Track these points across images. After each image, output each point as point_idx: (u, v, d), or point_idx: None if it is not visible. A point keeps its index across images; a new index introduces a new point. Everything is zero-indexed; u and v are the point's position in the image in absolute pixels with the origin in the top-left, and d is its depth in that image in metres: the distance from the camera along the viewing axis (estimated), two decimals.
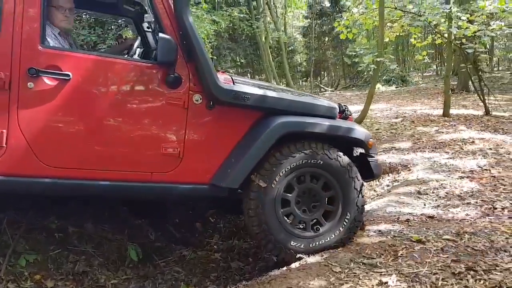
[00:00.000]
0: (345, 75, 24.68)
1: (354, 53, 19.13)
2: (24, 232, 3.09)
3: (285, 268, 2.91)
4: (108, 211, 3.60)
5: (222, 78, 2.87)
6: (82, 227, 3.32)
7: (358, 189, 3.04)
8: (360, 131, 3.16)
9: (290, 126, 2.91)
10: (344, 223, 3.02)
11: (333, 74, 26.85)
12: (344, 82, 24.31)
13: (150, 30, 3.22)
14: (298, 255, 2.92)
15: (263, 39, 19.38)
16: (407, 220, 3.51)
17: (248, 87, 2.92)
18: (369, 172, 3.20)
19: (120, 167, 2.68)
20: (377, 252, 2.84)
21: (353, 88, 21.43)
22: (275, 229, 2.88)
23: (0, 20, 2.41)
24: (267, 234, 2.88)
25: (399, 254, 2.79)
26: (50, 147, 2.57)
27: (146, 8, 3.19)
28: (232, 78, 3.02)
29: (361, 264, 2.70)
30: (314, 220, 3.02)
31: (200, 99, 2.77)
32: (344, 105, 3.44)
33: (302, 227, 2.99)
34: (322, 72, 26.85)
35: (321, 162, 2.95)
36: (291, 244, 2.92)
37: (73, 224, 3.31)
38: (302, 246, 2.94)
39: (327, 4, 23.38)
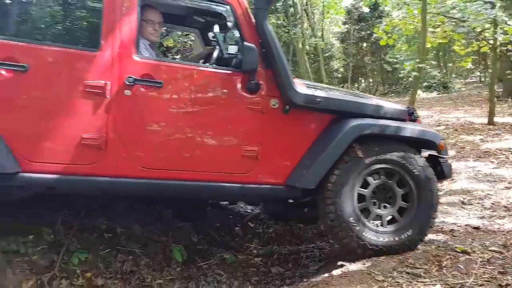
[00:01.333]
0: (383, 81, 24.33)
1: (394, 60, 18.84)
2: (76, 232, 3.25)
3: (326, 274, 2.94)
4: (154, 214, 3.73)
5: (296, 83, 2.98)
6: (130, 229, 3.45)
7: (433, 190, 3.06)
8: (432, 133, 3.23)
9: (364, 128, 2.97)
10: (418, 222, 3.04)
11: (371, 80, 26.51)
12: (383, 88, 23.96)
13: (215, 40, 3.39)
14: (340, 262, 2.95)
15: (300, 45, 19.41)
16: (452, 230, 3.46)
17: (321, 91, 3.06)
18: (440, 173, 3.22)
19: (204, 168, 2.84)
20: (421, 262, 2.82)
21: (392, 94, 21.08)
22: (353, 222, 2.92)
23: (101, 36, 2.62)
24: (345, 228, 2.92)
25: (443, 265, 2.75)
26: (144, 150, 2.74)
27: (215, 19, 3.34)
28: (304, 83, 3.13)
29: (404, 273, 2.68)
30: (390, 217, 3.07)
31: (277, 103, 2.91)
32: (412, 108, 3.45)
33: (378, 222, 3.03)
34: (360, 78, 26.57)
35: (398, 161, 2.99)
36: (367, 237, 2.95)
37: (121, 225, 3.45)
38: (377, 240, 2.97)
39: (366, 9, 23.16)
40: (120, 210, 3.56)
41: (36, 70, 2.55)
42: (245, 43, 2.75)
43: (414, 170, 3.02)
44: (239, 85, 2.85)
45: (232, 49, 3.00)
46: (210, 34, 3.37)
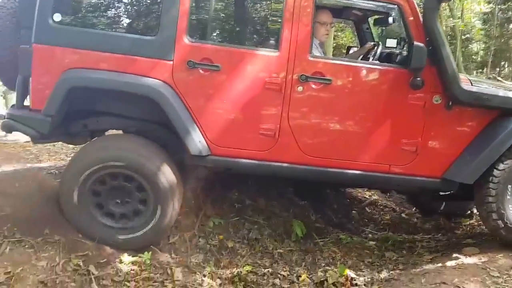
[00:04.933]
0: None
1: None
2: (212, 200, 3.77)
3: (440, 264, 3.01)
4: (277, 191, 4.11)
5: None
6: (256, 201, 3.89)
7: None
8: None
9: None
10: None
11: None
12: None
13: (368, 31, 3.70)
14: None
15: None
16: None
17: (486, 87, 3.14)
18: None
19: (365, 159, 3.10)
20: None
21: None
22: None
23: (281, 38, 2.95)
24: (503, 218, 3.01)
25: None
26: (311, 140, 3.07)
27: (376, 14, 3.62)
28: (468, 78, 3.22)
29: None
30: None
31: (440, 99, 3.04)
32: None
33: None
34: (503, 63, 23.95)
35: None
36: None
37: (249, 197, 3.90)
38: None
39: None
40: (249, 184, 4.00)
41: (226, 69, 2.93)
42: (415, 42, 2.87)
43: None
44: (403, 82, 2.99)
45: (391, 42, 3.12)
46: (364, 26, 3.56)
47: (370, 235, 4.01)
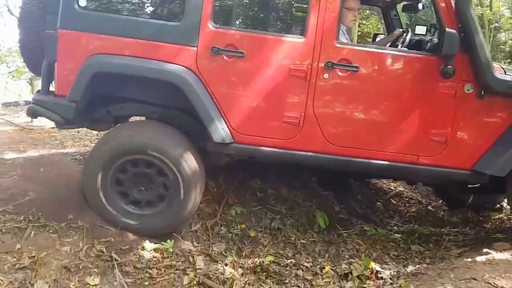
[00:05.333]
0: None
1: None
2: (234, 188, 3.74)
3: (469, 259, 2.92)
4: (300, 180, 4.05)
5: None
6: (279, 191, 3.84)
7: None
8: None
9: None
10: None
11: None
12: None
13: (396, 18, 3.62)
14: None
15: None
16: None
17: None
18: None
19: (392, 149, 3.02)
20: None
21: None
22: None
23: (307, 24, 2.86)
24: None
25: None
26: (336, 128, 3.00)
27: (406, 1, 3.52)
28: (502, 67, 3.10)
29: None
30: None
31: (471, 88, 2.93)
32: None
33: None
34: None
35: None
36: None
37: (271, 187, 3.86)
38: None
39: None
40: (271, 173, 3.95)
41: (251, 55, 2.87)
42: (447, 29, 2.76)
43: None
44: (433, 70, 2.89)
45: (420, 29, 3.03)
46: (392, 13, 3.44)
47: (395, 228, 3.93)
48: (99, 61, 2.83)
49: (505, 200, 4.04)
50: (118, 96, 3.12)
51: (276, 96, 2.94)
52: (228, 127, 2.94)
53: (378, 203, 4.32)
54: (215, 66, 2.88)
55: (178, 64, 2.85)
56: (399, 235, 3.71)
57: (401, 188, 4.67)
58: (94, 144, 4.84)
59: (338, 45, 2.90)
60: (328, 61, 2.88)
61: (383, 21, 4.06)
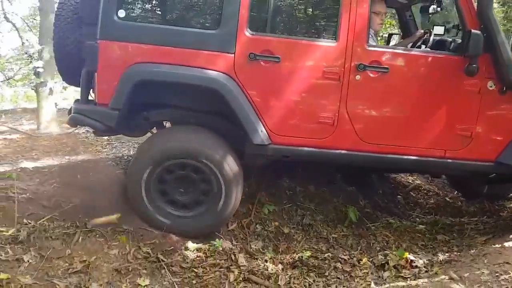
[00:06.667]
0: None
1: None
2: (265, 187, 3.87)
3: (497, 245, 3.07)
4: (326, 177, 4.19)
5: None
6: (307, 188, 3.98)
7: None
8: None
9: None
10: None
11: None
12: None
13: (411, 18, 3.78)
14: None
15: None
16: None
17: None
18: None
19: (421, 144, 3.18)
20: None
21: None
22: None
23: (339, 29, 3.01)
24: None
25: None
26: (368, 127, 3.14)
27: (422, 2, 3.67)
28: None
29: None
30: None
31: (494, 85, 3.10)
32: None
33: None
34: None
35: None
36: None
37: (299, 184, 3.99)
38: None
39: None
40: (298, 171, 4.09)
41: (286, 60, 3.00)
42: (473, 30, 2.91)
43: None
44: (457, 69, 3.04)
45: (438, 30, 3.17)
46: (408, 14, 3.58)
47: (418, 219, 4.08)
48: (142, 70, 2.94)
49: None
50: (155, 103, 3.23)
51: (310, 97, 3.07)
52: (265, 129, 3.07)
53: (398, 196, 4.47)
54: (252, 71, 3.00)
55: (217, 71, 2.97)
56: (424, 226, 3.85)
57: (418, 181, 4.82)
58: (107, 149, 4.95)
59: (369, 48, 3.05)
60: (360, 63, 3.02)
61: (398, 22, 4.21)
